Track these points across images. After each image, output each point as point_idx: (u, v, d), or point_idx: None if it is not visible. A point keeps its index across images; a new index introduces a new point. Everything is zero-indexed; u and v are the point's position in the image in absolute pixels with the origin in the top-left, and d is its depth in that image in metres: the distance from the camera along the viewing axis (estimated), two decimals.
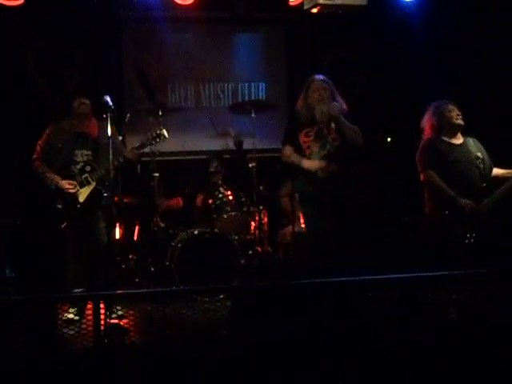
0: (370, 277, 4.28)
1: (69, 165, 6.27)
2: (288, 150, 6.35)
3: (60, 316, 5.43)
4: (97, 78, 8.21)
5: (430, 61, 8.36)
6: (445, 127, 6.30)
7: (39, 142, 6.36)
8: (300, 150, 6.23)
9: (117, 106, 6.16)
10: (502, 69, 7.84)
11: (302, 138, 6.24)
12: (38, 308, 4.30)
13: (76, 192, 6.20)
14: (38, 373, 3.97)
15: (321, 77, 6.33)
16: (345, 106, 6.29)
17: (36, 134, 6.53)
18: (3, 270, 6.92)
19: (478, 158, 6.24)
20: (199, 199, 8.06)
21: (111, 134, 6.01)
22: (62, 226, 6.16)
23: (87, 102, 6.32)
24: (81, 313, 5.84)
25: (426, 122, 6.40)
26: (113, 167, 6.01)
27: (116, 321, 5.61)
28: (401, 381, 4.17)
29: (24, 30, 8.04)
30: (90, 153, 6.30)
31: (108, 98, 5.97)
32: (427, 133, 6.38)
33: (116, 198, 6.71)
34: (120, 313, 5.82)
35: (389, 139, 9.10)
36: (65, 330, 5.02)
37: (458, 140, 6.34)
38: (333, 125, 6.16)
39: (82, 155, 6.30)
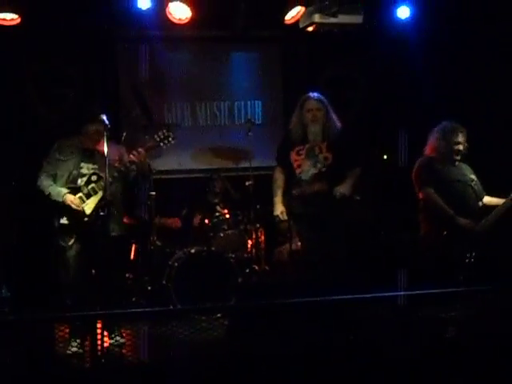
0: (368, 295, 4.26)
1: (76, 178, 6.08)
2: (277, 173, 6.36)
3: (64, 350, 5.41)
4: (93, 97, 8.21)
5: (426, 78, 8.37)
6: (446, 155, 6.29)
7: (45, 159, 6.18)
8: (291, 169, 6.21)
9: (113, 125, 6.14)
10: (501, 88, 7.85)
11: (293, 157, 6.21)
12: (35, 328, 4.28)
13: (81, 206, 5.99)
14: None
15: (315, 95, 6.28)
16: (339, 124, 6.27)
17: (32, 153, 6.50)
18: None
19: (472, 180, 6.29)
20: (196, 219, 8.04)
21: (117, 153, 6.15)
22: (70, 243, 5.97)
23: (102, 127, 6.01)
24: (84, 345, 5.61)
25: (432, 142, 6.36)
26: (117, 173, 6.00)
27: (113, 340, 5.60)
28: None
29: (21, 49, 8.06)
30: (96, 166, 6.08)
31: (104, 117, 5.93)
32: (428, 151, 6.37)
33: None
34: (122, 340, 5.78)
35: (385, 157, 9.10)
36: (62, 351, 5.04)
37: (453, 162, 6.34)
38: (325, 143, 6.15)
39: (88, 168, 6.12)
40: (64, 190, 6.01)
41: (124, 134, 7.28)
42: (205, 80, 9.16)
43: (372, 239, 8.09)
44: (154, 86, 8.86)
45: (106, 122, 5.92)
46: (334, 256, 6.00)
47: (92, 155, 6.13)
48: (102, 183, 5.97)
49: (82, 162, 6.13)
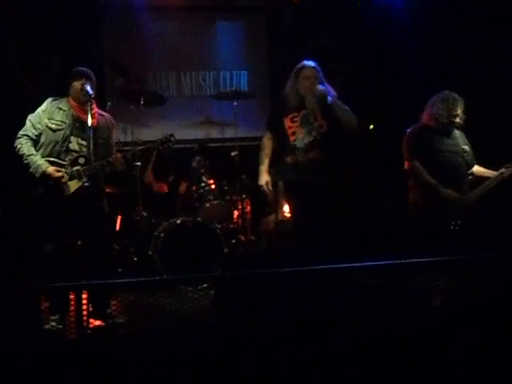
0: (355, 264, 4.27)
1: (60, 152, 5.72)
2: (266, 140, 6.28)
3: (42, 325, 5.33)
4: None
5: (414, 48, 8.35)
6: (443, 125, 6.27)
7: (30, 117, 5.81)
8: (285, 136, 6.12)
9: (97, 95, 6.06)
10: (489, 58, 7.84)
11: (287, 124, 6.13)
12: (20, 299, 4.26)
13: (63, 182, 5.65)
14: (18, 365, 3.95)
15: (311, 63, 6.19)
16: (334, 93, 6.20)
17: (16, 125, 6.32)
18: None
19: (464, 150, 6.28)
20: (183, 186, 8.02)
21: (107, 130, 5.95)
22: (37, 217, 5.72)
23: (90, 82, 5.81)
24: (64, 320, 5.38)
25: (430, 110, 6.33)
26: (101, 166, 5.70)
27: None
28: (384, 367, 4.17)
29: (4, 21, 7.97)
30: (84, 143, 5.69)
31: (88, 87, 5.71)
32: (425, 119, 6.34)
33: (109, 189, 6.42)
34: (120, 320, 5.71)
35: (371, 127, 9.10)
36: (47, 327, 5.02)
37: (448, 133, 6.34)
38: (320, 111, 6.08)
39: (77, 143, 5.75)
40: (44, 165, 5.65)
41: (109, 104, 7.23)
42: (190, 50, 9.13)
43: (360, 208, 8.11)
44: (139, 56, 8.82)
45: (91, 92, 5.73)
46: (324, 224, 5.99)
47: (83, 128, 5.71)
48: (90, 170, 5.66)
49: (72, 135, 5.76)
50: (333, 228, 6.06)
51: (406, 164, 6.26)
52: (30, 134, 5.76)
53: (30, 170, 5.67)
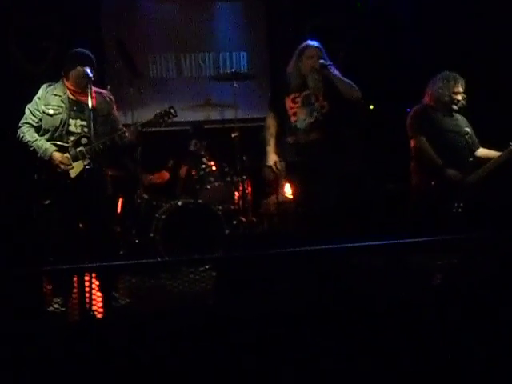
0: (356, 244, 4.28)
1: (62, 135, 5.75)
2: (269, 120, 6.26)
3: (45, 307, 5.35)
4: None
5: (414, 29, 8.33)
6: (445, 104, 6.29)
7: (28, 105, 5.84)
8: (285, 117, 6.12)
9: (97, 78, 6.05)
10: (491, 42, 7.81)
11: (288, 104, 6.11)
12: (23, 283, 4.27)
13: (68, 166, 5.70)
14: (21, 347, 3.96)
15: (315, 43, 6.16)
16: (338, 72, 6.16)
17: (14, 107, 6.30)
18: None
19: (466, 133, 6.30)
20: (183, 170, 8.03)
21: (106, 107, 5.93)
22: (46, 202, 5.72)
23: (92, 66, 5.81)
24: (67, 303, 5.27)
25: (431, 90, 6.35)
26: (109, 142, 5.73)
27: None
28: (384, 346, 4.18)
29: (3, 4, 7.95)
30: (84, 123, 5.76)
31: (88, 70, 5.70)
32: (427, 99, 6.37)
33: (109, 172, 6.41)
34: (123, 302, 5.73)
35: (371, 107, 9.08)
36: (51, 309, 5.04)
37: (451, 112, 6.36)
38: (322, 91, 6.06)
39: (76, 125, 5.79)
40: (51, 148, 5.69)
41: (108, 88, 7.21)
42: (189, 31, 9.11)
43: (363, 189, 8.11)
44: (138, 38, 8.80)
45: (90, 74, 5.69)
46: (325, 205, 5.99)
47: (81, 109, 5.80)
48: (93, 149, 5.68)
49: (70, 118, 5.80)
50: (334, 208, 6.06)
51: (412, 142, 6.26)
52: (30, 121, 5.80)
53: (38, 155, 5.71)
